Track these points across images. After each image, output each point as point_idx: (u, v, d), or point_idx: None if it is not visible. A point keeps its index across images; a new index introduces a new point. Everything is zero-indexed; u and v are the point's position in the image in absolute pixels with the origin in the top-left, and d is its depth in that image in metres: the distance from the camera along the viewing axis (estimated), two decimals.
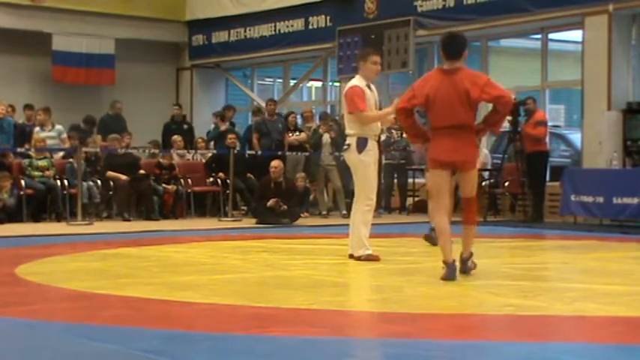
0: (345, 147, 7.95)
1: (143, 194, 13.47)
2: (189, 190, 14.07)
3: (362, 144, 7.80)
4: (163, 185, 13.70)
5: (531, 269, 7.54)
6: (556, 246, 10.37)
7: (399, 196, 15.36)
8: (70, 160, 13.41)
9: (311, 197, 14.54)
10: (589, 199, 12.46)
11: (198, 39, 19.78)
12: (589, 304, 5.49)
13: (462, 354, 4.11)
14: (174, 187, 13.79)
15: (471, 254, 6.77)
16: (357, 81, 7.92)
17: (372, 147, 7.88)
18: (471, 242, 6.77)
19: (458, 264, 6.59)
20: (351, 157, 7.90)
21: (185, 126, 16.79)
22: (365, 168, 7.83)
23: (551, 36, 14.97)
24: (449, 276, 6.42)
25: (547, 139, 13.78)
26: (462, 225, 6.77)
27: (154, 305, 5.44)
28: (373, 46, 13.70)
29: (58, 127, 14.42)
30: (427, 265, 7.55)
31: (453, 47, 6.64)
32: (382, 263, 7.58)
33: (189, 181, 14.13)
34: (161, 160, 14.12)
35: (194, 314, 5.13)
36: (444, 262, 6.50)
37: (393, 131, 14.98)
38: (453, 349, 4.18)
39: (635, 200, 11.91)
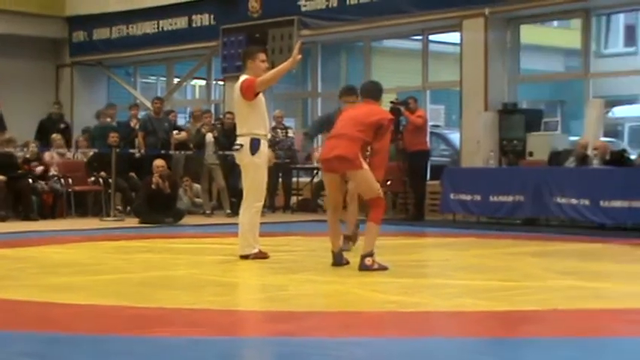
0: (237, 147, 7.85)
1: (21, 194, 13.09)
2: (69, 190, 13.75)
3: (255, 145, 7.78)
4: (40, 182, 13.33)
5: (412, 266, 7.70)
6: (436, 243, 10.61)
7: (283, 194, 15.42)
8: None
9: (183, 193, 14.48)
10: (467, 197, 12.81)
11: (79, 35, 19.37)
12: (467, 299, 5.65)
13: (346, 351, 4.16)
14: (49, 184, 13.46)
15: (371, 253, 6.95)
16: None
17: (265, 148, 7.89)
18: (370, 240, 7.00)
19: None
20: (243, 157, 7.86)
21: (62, 125, 16.33)
22: (256, 170, 7.82)
23: (431, 37, 15.31)
24: (334, 262, 7.21)
25: (427, 139, 14.08)
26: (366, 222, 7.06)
27: (31, 308, 5.31)
28: (258, 44, 13.69)
29: None
30: (311, 264, 7.62)
31: (368, 90, 7.45)
32: (266, 262, 7.60)
33: (70, 180, 13.81)
34: (27, 155, 13.74)
35: (74, 316, 5.03)
36: (332, 251, 7.26)
37: (279, 131, 15.04)
38: (337, 347, 4.23)
39: (510, 198, 12.31)
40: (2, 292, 5.79)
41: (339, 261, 7.23)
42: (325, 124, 8.85)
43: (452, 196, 12.99)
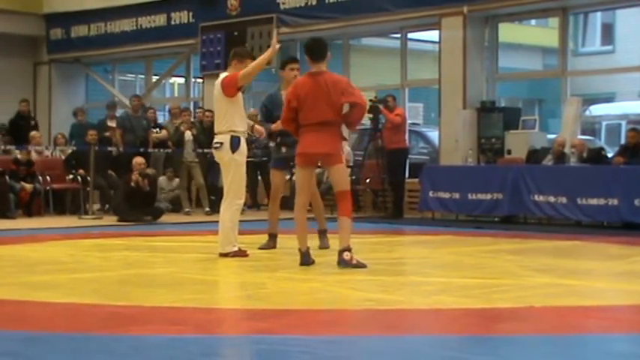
0: (217, 145, 7.84)
1: None
2: (47, 188, 13.68)
3: (235, 143, 7.78)
4: (22, 183, 13.24)
5: (391, 264, 7.72)
6: (415, 241, 10.64)
7: (264, 192, 15.39)
8: None
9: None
10: (446, 195, 12.86)
11: (57, 33, 19.26)
12: (445, 297, 5.68)
13: (325, 349, 4.18)
14: (32, 185, 13.34)
15: (348, 247, 6.95)
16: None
17: (244, 146, 7.89)
18: (345, 235, 6.99)
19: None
20: (223, 155, 7.85)
21: (32, 122, 16.12)
22: (237, 167, 7.83)
23: (410, 35, 15.36)
24: (302, 262, 7.11)
25: (406, 137, 14.13)
26: (337, 218, 7.02)
27: (8, 306, 5.28)
28: (237, 42, 13.68)
29: None
30: (290, 262, 7.63)
31: (317, 50, 7.14)
32: (245, 260, 7.61)
33: (48, 178, 13.73)
34: (19, 155, 13.66)
35: (52, 314, 5.01)
36: (299, 250, 7.17)
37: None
38: (316, 345, 4.24)
39: (488, 196, 12.37)
40: None
41: (306, 261, 7.15)
42: (272, 107, 8.74)
43: (431, 194, 13.03)
